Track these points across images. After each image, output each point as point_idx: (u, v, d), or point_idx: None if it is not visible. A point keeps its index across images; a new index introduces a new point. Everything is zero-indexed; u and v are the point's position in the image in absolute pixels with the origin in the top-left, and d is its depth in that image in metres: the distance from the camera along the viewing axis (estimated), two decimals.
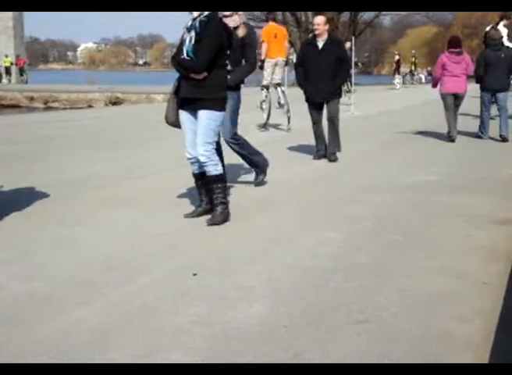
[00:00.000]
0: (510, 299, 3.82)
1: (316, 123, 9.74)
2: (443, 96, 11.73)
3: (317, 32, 9.33)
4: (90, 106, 31.10)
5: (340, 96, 9.70)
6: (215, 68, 5.61)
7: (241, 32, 6.56)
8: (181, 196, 6.89)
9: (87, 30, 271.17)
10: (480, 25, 74.24)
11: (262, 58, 13.11)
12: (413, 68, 41.99)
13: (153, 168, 8.85)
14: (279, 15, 53.13)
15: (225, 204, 5.86)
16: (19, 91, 35.22)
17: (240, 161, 7.78)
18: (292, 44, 50.07)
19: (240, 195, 6.96)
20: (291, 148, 11.02)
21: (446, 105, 11.74)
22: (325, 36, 9.30)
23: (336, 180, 7.99)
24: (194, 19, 5.62)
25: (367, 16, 57.34)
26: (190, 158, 5.87)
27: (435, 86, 12.14)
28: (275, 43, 13.32)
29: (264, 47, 13.31)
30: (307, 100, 9.71)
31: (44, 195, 6.98)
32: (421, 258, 4.73)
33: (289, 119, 13.79)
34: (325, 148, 9.72)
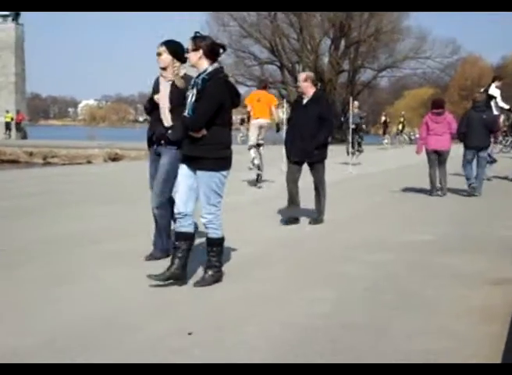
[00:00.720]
0: (508, 361, 3.79)
1: (289, 183, 9.19)
2: (427, 153, 12.40)
3: (299, 89, 9.33)
4: (89, 162, 31.30)
5: (324, 158, 9.20)
6: (214, 126, 5.47)
7: (180, 84, 6.29)
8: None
9: (88, 87, 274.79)
10: (476, 87, 75.31)
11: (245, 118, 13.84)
12: (400, 128, 42.67)
13: (151, 224, 8.84)
14: (279, 76, 53.97)
15: (218, 267, 5.70)
16: (18, 146, 35.49)
17: (234, 219, 7.79)
18: (290, 103, 50.78)
19: (232, 253, 6.95)
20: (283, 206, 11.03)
21: (430, 162, 12.40)
22: (310, 93, 9.01)
23: (330, 239, 7.99)
24: (198, 76, 5.54)
25: (365, 77, 58.24)
26: (177, 214, 5.60)
27: (419, 151, 12.68)
28: (258, 106, 13.74)
29: (248, 108, 14.08)
30: (287, 158, 9.42)
31: (39, 250, 6.96)
32: (416, 319, 4.70)
33: (259, 176, 14.07)
34: (298, 211, 9.23)
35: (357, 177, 16.75)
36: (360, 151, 21.33)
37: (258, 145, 14.01)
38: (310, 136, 8.83)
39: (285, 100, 39.86)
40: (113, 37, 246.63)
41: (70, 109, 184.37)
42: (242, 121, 41.82)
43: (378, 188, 14.12)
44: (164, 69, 6.41)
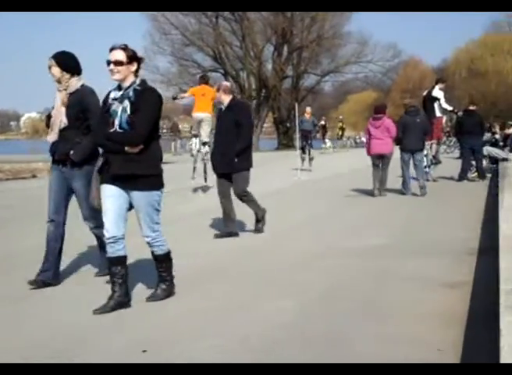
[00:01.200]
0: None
1: (220, 198, 8.96)
2: (370, 157, 13.09)
3: (216, 100, 9.37)
4: (34, 176, 30.65)
5: (247, 168, 8.76)
6: (150, 139, 5.21)
7: (62, 97, 6.06)
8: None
9: (30, 100, 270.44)
10: (418, 89, 76.52)
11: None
12: (340, 133, 43.20)
13: (83, 241, 8.68)
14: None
15: (170, 281, 5.59)
16: None
17: (182, 231, 7.72)
18: None
19: (187, 266, 6.87)
20: (237, 214, 11.00)
21: (373, 165, 13.05)
22: (226, 102, 8.73)
23: (284, 247, 7.98)
24: (126, 89, 5.21)
25: (308, 82, 58.66)
26: (108, 238, 5.23)
27: (367, 148, 13.30)
28: (201, 101, 13.73)
29: (184, 95, 14.91)
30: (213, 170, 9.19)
31: None
32: (374, 324, 4.70)
33: (205, 179, 14.21)
34: (234, 226, 8.94)
35: (307, 183, 16.79)
36: (311, 159, 21.26)
37: (204, 143, 13.92)
38: (228, 145, 8.55)
39: None
40: (54, 48, 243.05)
41: (12, 123, 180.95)
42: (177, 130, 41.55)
43: (329, 193, 14.19)
44: (58, 82, 6.14)
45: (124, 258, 5.35)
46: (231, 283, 6.19)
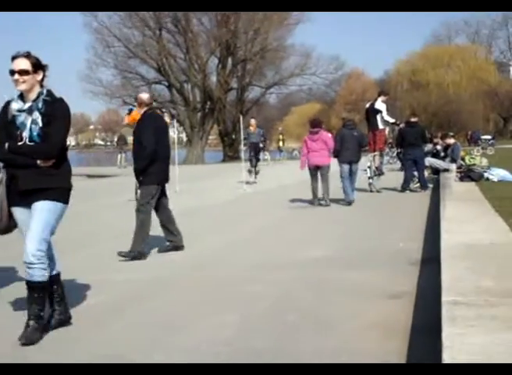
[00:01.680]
0: None
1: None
2: (309, 168, 13.53)
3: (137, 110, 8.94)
4: None
5: (151, 182, 8.35)
6: (61, 153, 4.95)
7: None
8: (72, 285, 6.63)
9: None
10: (361, 101, 77.58)
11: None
12: (281, 145, 43.49)
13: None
14: (167, 95, 53.81)
15: (42, 318, 4.92)
16: None
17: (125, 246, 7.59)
18: (180, 122, 50.62)
19: (133, 281, 6.78)
20: (182, 228, 10.93)
21: (311, 176, 13.58)
22: (141, 112, 8.53)
23: (230, 261, 7.95)
24: (35, 100, 4.87)
25: (253, 94, 58.85)
26: (29, 263, 4.80)
27: (303, 167, 13.73)
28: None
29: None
30: None
31: None
32: (317, 338, 4.69)
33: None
34: (177, 238, 8.73)
35: (253, 195, 16.81)
36: (257, 172, 21.00)
37: None
38: (135, 160, 8.51)
39: (175, 120, 39.80)
40: None
41: None
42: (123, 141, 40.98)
43: (275, 205, 14.22)
44: None
45: (45, 283, 4.92)
46: (176, 297, 6.12)
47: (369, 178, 15.93)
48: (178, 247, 8.67)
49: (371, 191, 15.77)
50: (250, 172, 20.71)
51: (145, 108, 8.50)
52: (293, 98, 73.93)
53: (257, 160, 21.21)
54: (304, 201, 14.17)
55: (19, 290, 5.64)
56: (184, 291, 6.40)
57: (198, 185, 20.29)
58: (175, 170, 17.18)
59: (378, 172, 16.08)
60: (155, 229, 10.21)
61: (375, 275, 6.76)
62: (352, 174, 13.76)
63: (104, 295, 6.25)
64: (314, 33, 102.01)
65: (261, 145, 21.95)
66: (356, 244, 8.83)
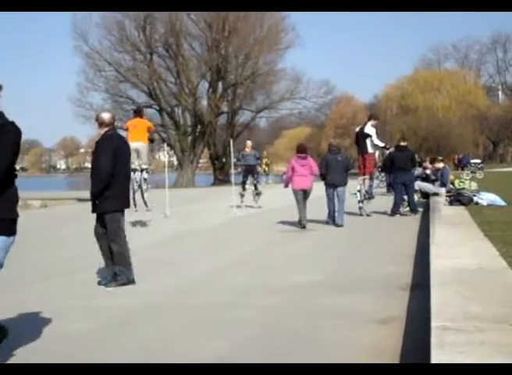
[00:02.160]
0: None
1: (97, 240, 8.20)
2: (294, 191, 14.06)
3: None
4: None
5: (116, 210, 7.90)
6: (6, 179, 4.59)
7: None
8: (56, 310, 6.59)
9: None
10: (351, 125, 77.97)
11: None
12: (266, 169, 43.40)
13: (31, 278, 8.47)
14: (158, 119, 53.95)
15: None
16: None
17: None
18: (171, 146, 50.76)
19: (120, 306, 6.73)
20: (171, 252, 10.89)
21: (296, 199, 14.01)
22: (102, 133, 8.04)
23: (219, 285, 7.91)
24: None
25: (244, 118, 59.13)
26: None
27: (286, 186, 14.47)
28: (134, 132, 14.57)
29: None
30: None
31: None
32: (308, 363, 4.66)
33: (145, 203, 14.98)
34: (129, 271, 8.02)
35: (243, 218, 16.79)
36: (259, 194, 20.31)
37: (142, 170, 14.72)
38: (92, 183, 7.97)
39: (165, 143, 39.89)
40: None
41: None
42: None
43: (265, 228, 14.20)
44: None
45: None
46: (163, 323, 6.07)
47: (359, 202, 15.95)
48: (129, 281, 7.96)
49: (361, 215, 15.79)
50: (242, 196, 20.30)
51: (106, 129, 7.99)
52: (284, 121, 74.30)
53: (257, 182, 20.53)
54: (293, 224, 14.17)
55: None
56: (172, 316, 6.36)
57: (188, 209, 20.23)
58: (165, 194, 17.20)
59: (368, 195, 16.10)
60: (147, 252, 10.19)
61: (365, 300, 6.74)
62: (339, 198, 14.21)
63: (90, 321, 6.20)
64: (305, 58, 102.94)
65: (258, 168, 21.22)
66: (346, 268, 8.82)
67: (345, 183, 14.43)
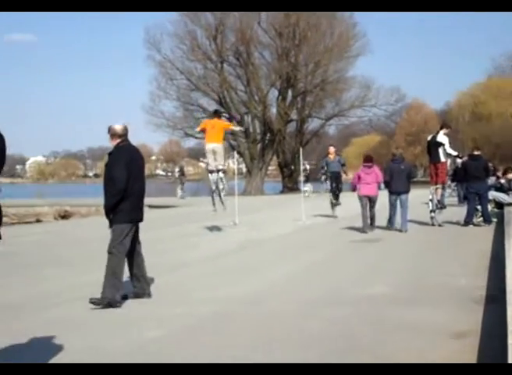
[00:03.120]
0: None
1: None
2: (360, 198, 15.10)
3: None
4: (38, 220, 30.72)
5: (123, 220, 7.57)
6: None
7: None
8: (132, 317, 6.69)
9: (36, 144, 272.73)
10: (421, 132, 76.82)
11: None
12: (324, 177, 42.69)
13: (88, 288, 8.61)
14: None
15: None
16: None
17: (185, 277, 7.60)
18: (241, 154, 51.04)
19: (190, 314, 6.78)
20: (241, 261, 10.93)
21: (362, 205, 15.05)
22: (114, 144, 7.78)
23: (287, 294, 7.88)
24: None
25: (313, 126, 58.92)
26: None
27: (354, 190, 15.49)
28: (211, 132, 14.97)
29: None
30: None
31: None
32: None
33: (222, 202, 15.35)
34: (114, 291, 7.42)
35: (312, 227, 16.72)
36: (337, 204, 19.37)
37: (218, 170, 15.07)
38: (105, 196, 7.68)
39: (236, 151, 40.10)
40: (59, 92, 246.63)
41: (18, 167, 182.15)
42: (182, 173, 41.74)
43: (332, 238, 14.13)
44: None
45: None
46: (233, 332, 6.09)
47: (431, 212, 15.70)
48: (139, 294, 7.81)
49: (432, 225, 15.53)
50: (333, 205, 19.36)
51: (118, 140, 7.71)
52: (353, 129, 73.75)
53: (340, 191, 19.39)
54: (360, 233, 14.04)
55: None
56: (242, 325, 6.37)
57: (257, 217, 20.31)
58: (234, 201, 17.31)
59: (440, 205, 15.81)
60: (216, 260, 10.25)
61: (437, 313, 6.61)
62: (402, 204, 14.98)
63: (163, 329, 6.27)
64: (375, 64, 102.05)
65: (343, 175, 19.63)
66: (416, 279, 8.67)
67: (407, 191, 15.10)
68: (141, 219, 7.87)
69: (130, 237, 7.62)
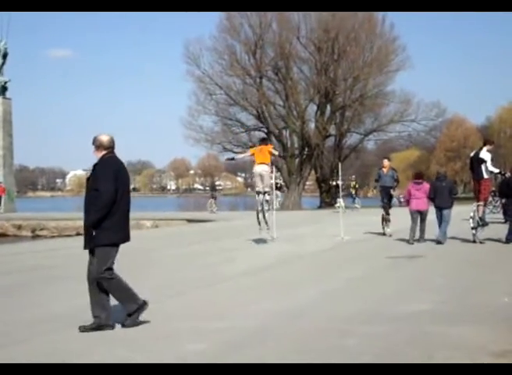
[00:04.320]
0: None
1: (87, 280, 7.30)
2: (410, 212, 16.49)
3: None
4: (78, 234, 30.99)
5: (107, 242, 6.91)
6: None
7: None
8: (173, 330, 6.69)
9: (76, 158, 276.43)
10: (462, 148, 76.14)
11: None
12: (353, 192, 42.57)
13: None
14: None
15: None
16: (6, 220, 35.17)
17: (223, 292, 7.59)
18: (278, 168, 51.05)
19: (226, 328, 6.76)
20: (279, 276, 10.90)
21: (412, 219, 16.38)
22: (99, 156, 7.21)
23: (326, 311, 7.82)
24: None
25: (351, 140, 58.68)
26: None
27: (407, 204, 16.94)
28: (259, 155, 16.35)
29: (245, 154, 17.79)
30: None
31: (31, 331, 6.78)
32: None
33: (266, 222, 16.20)
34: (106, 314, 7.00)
35: (351, 243, 16.61)
36: (388, 220, 18.58)
37: (264, 193, 16.07)
38: (86, 214, 7.09)
39: (274, 166, 40.16)
40: (98, 107, 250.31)
41: (58, 180, 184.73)
42: (213, 188, 42.25)
43: (372, 254, 14.01)
44: None
45: None
46: (272, 347, 6.05)
47: (472, 228, 15.50)
48: (102, 326, 6.93)
49: (474, 242, 15.32)
50: (385, 221, 18.57)
51: (103, 152, 7.17)
52: (392, 144, 73.10)
53: (390, 207, 18.67)
54: (403, 249, 13.90)
55: None
56: (282, 341, 6.33)
57: (295, 232, 20.25)
58: (272, 216, 17.29)
59: (482, 222, 15.59)
60: (254, 275, 10.22)
61: (479, 331, 6.49)
62: (443, 218, 15.98)
63: (203, 343, 6.26)
64: (414, 78, 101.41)
65: (392, 191, 18.62)
66: (457, 297, 8.54)
67: (449, 206, 16.14)
68: (128, 239, 7.18)
69: (114, 259, 7.00)
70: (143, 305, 7.08)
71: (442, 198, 16.02)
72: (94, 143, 7.19)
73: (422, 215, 16.31)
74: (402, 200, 46.26)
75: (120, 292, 7.02)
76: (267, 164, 16.32)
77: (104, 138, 7.21)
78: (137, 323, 6.97)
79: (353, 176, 45.47)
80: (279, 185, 41.06)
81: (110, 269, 6.95)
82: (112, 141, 7.26)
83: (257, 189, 16.29)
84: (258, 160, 16.19)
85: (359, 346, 6.01)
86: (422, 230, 16.24)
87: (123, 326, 6.91)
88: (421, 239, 16.09)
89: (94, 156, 7.20)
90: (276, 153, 18.64)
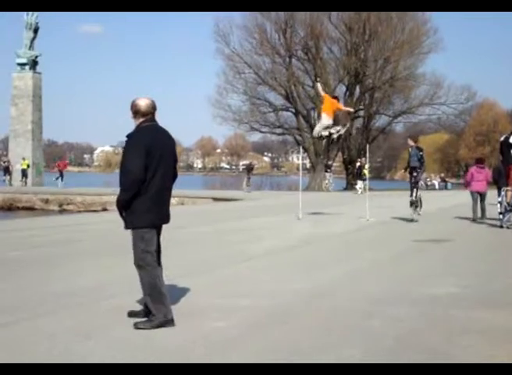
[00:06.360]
0: None
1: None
2: (472, 193, 18.18)
3: None
4: (104, 209, 31.34)
5: (136, 225, 6.04)
6: None
7: None
8: (196, 308, 6.72)
9: (104, 134, 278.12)
10: (491, 132, 75.30)
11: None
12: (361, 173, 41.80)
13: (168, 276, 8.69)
14: (294, 122, 54.25)
15: None
16: (34, 194, 35.56)
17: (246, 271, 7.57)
18: (305, 149, 50.88)
19: (250, 307, 6.77)
20: (304, 256, 10.89)
21: (473, 199, 18.06)
22: (136, 124, 6.25)
23: (351, 292, 7.79)
24: None
25: (380, 122, 58.26)
26: None
27: (466, 187, 19.16)
28: (327, 102, 19.83)
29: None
30: None
31: (56, 304, 6.84)
32: None
33: None
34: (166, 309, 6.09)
35: (375, 225, 16.53)
36: (415, 204, 17.39)
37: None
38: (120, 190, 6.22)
39: (301, 146, 40.01)
40: (127, 84, 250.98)
41: (86, 156, 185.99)
42: (249, 169, 42.39)
43: (398, 235, 13.95)
44: None
45: None
46: (296, 326, 6.05)
47: (500, 214, 15.35)
48: (166, 322, 5.99)
49: (501, 227, 15.19)
50: (412, 204, 17.33)
51: (141, 119, 6.21)
52: (421, 127, 72.40)
53: (416, 190, 17.29)
54: (429, 233, 13.81)
55: None
56: (305, 320, 6.32)
57: (320, 212, 20.20)
58: (298, 197, 17.26)
59: (510, 207, 15.42)
60: (280, 254, 10.21)
61: (503, 315, 6.43)
62: (482, 202, 18.03)
63: (227, 321, 6.27)
64: (445, 61, 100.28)
65: (415, 173, 17.11)
66: (482, 281, 8.47)
67: (485, 191, 18.05)
68: (165, 222, 6.33)
69: (155, 240, 6.17)
70: (169, 321, 6.00)
71: (479, 183, 18.04)
72: (131, 108, 6.22)
73: (482, 196, 18.07)
74: (429, 183, 45.94)
75: (152, 290, 6.04)
76: (327, 114, 18.71)
77: (142, 102, 6.18)
78: (148, 328, 5.90)
79: (364, 159, 44.87)
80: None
81: (149, 254, 6.04)
82: (153, 106, 6.23)
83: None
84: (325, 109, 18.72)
85: (381, 327, 5.98)
86: (483, 209, 17.87)
87: (135, 325, 5.95)
88: (484, 217, 17.66)
89: (132, 124, 6.27)
90: (352, 110, 21.62)
